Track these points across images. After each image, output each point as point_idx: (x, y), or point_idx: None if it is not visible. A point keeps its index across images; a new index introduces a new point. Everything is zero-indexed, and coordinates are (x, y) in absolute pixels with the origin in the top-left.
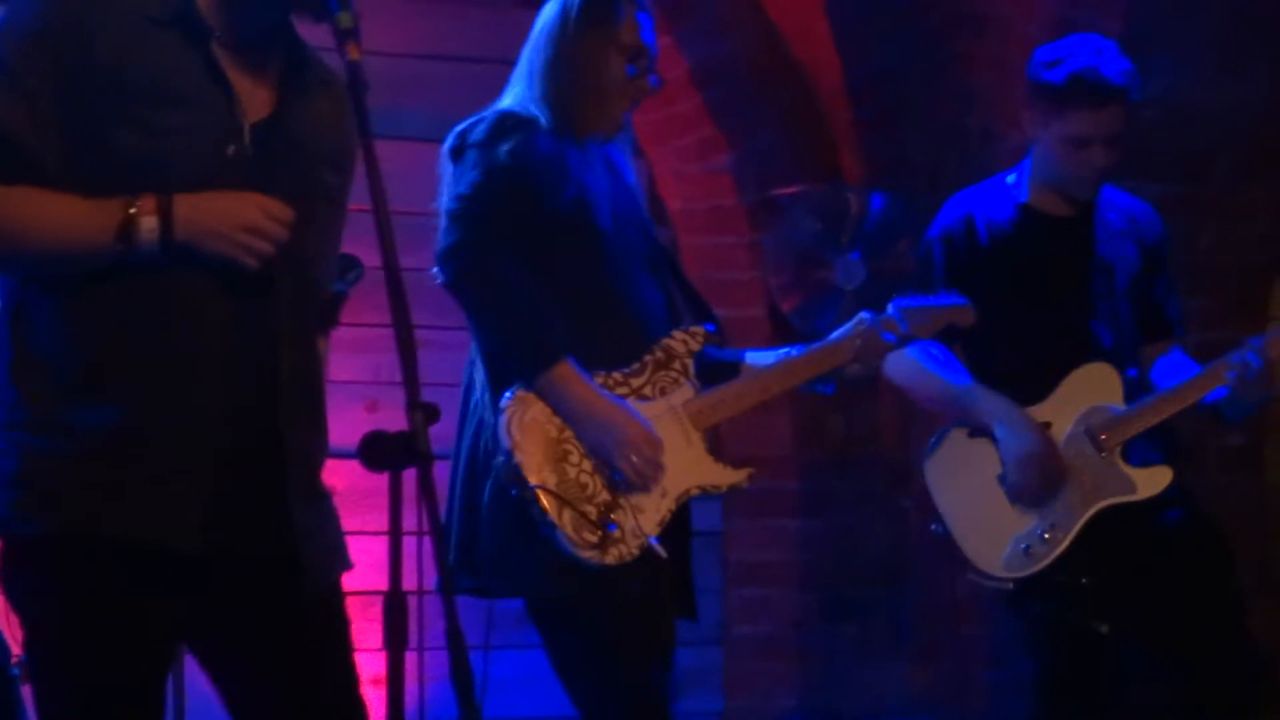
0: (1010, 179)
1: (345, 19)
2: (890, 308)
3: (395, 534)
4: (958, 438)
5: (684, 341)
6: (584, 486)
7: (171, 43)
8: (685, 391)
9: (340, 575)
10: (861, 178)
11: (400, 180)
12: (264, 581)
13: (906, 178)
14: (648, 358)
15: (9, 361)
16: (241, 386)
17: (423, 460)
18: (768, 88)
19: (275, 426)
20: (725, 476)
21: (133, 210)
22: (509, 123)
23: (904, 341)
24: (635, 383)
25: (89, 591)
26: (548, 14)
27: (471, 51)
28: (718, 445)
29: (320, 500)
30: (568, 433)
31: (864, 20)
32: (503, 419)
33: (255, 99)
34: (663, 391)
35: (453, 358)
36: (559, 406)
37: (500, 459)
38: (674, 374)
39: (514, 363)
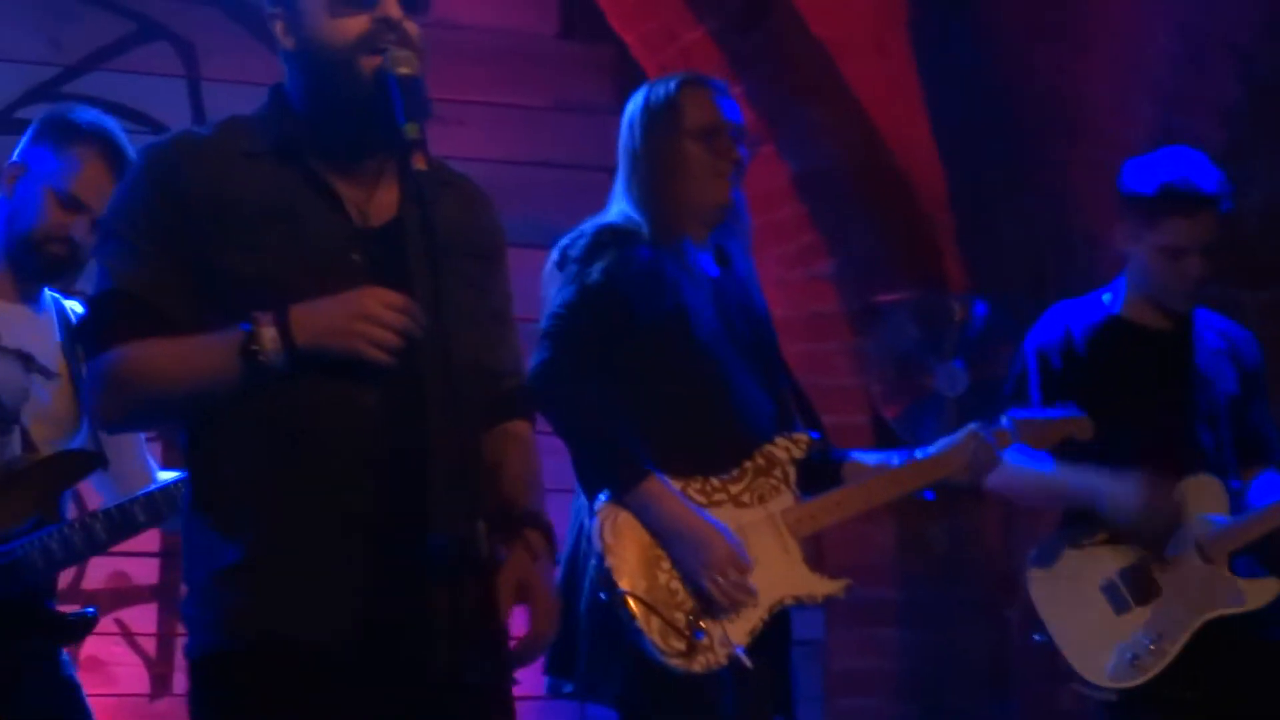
0: (1106, 296)
1: (412, 130)
2: (1004, 419)
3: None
4: (1061, 546)
5: (786, 449)
6: (674, 593)
7: (270, 168)
8: (785, 499)
9: (506, 679)
10: (964, 284)
11: None
12: (417, 680)
13: (1009, 284)
14: (748, 464)
15: (187, 503)
16: (392, 484)
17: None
18: (868, 193)
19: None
20: (821, 587)
21: (251, 328)
22: (605, 238)
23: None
24: (733, 489)
25: (267, 700)
26: (623, 121)
27: (573, 158)
28: (817, 554)
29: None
30: (661, 543)
31: (965, 126)
32: (595, 523)
33: (376, 205)
34: (762, 499)
35: (553, 463)
36: (647, 522)
37: (593, 562)
38: (774, 481)
39: (602, 479)
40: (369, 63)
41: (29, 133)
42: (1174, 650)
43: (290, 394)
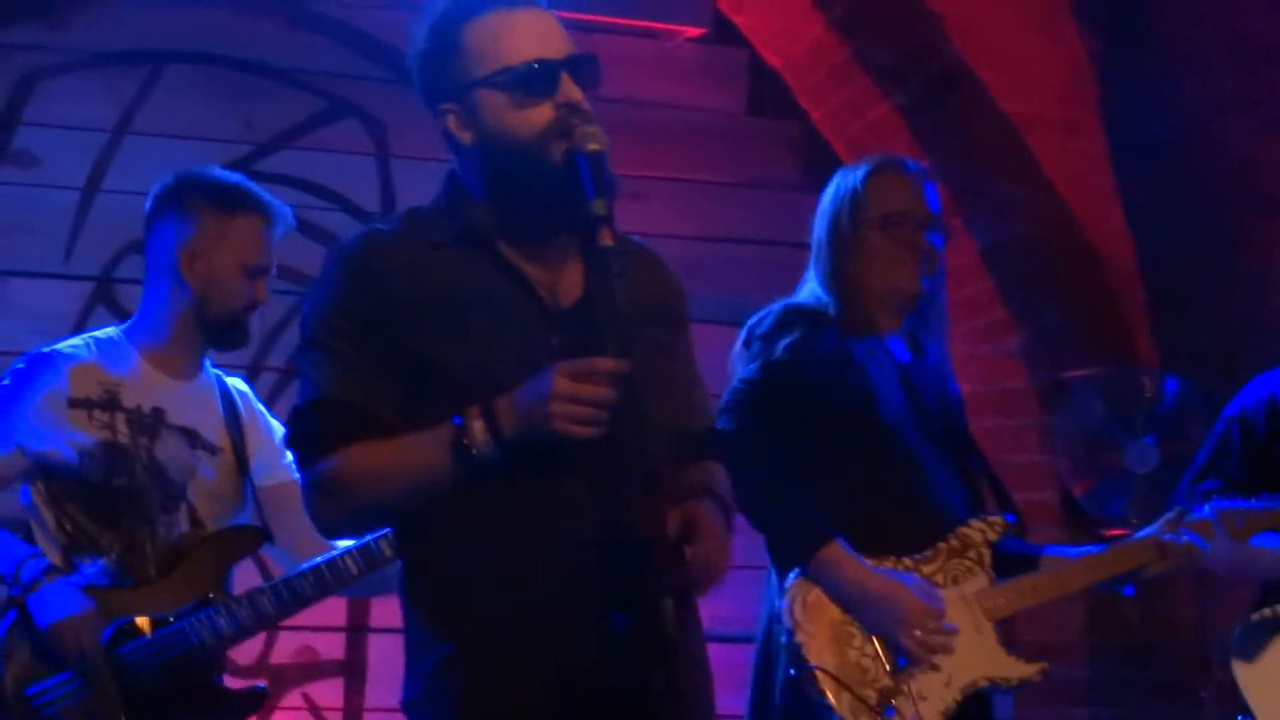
0: None
1: (599, 206)
2: (1207, 509)
3: None
4: (1267, 627)
5: (981, 530)
6: (864, 670)
7: (460, 257)
8: (979, 580)
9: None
10: (1155, 360)
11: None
12: None
13: (1200, 361)
14: (941, 545)
15: (405, 596)
16: (610, 569)
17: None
18: (1057, 269)
19: (646, 597)
20: (1016, 670)
21: (461, 420)
22: (792, 317)
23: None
24: (926, 569)
25: None
26: (821, 203)
27: (763, 235)
28: (1010, 636)
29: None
30: (850, 615)
31: (1157, 200)
32: (786, 601)
33: (563, 284)
34: (955, 580)
35: (742, 540)
36: (833, 589)
37: (783, 639)
38: (969, 563)
39: (785, 549)
40: (558, 147)
41: (178, 205)
42: None
43: (504, 492)
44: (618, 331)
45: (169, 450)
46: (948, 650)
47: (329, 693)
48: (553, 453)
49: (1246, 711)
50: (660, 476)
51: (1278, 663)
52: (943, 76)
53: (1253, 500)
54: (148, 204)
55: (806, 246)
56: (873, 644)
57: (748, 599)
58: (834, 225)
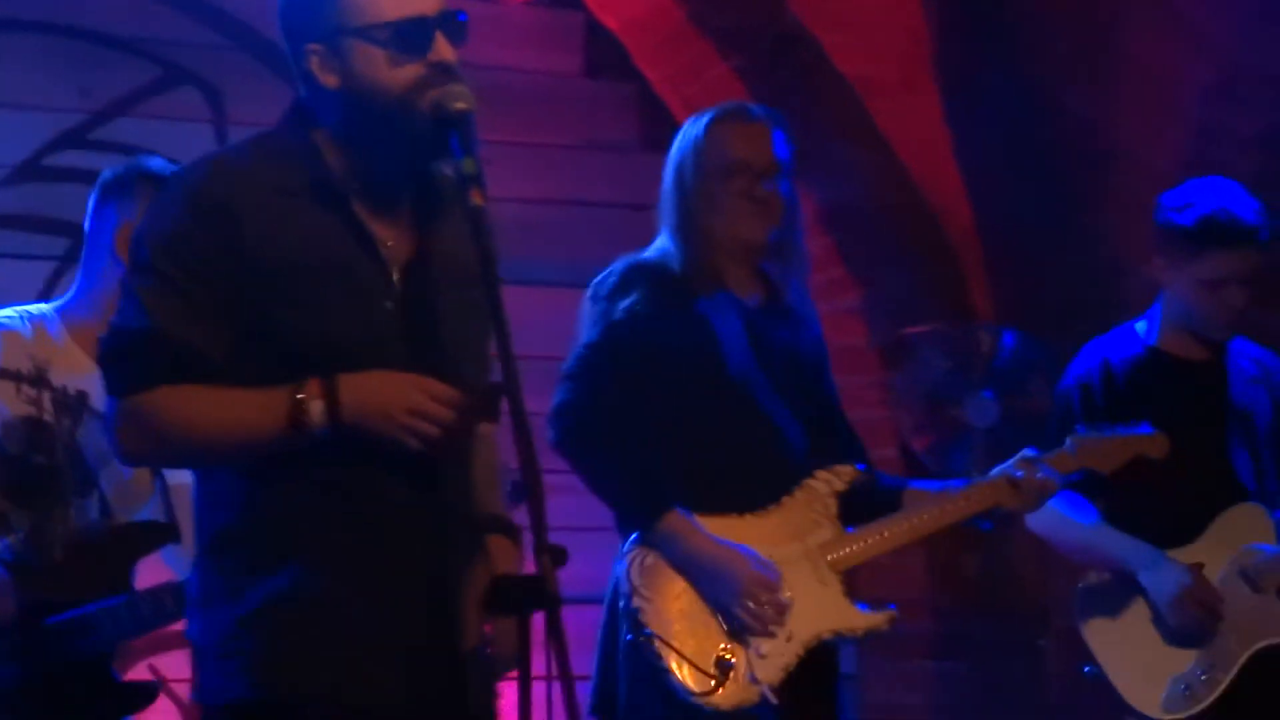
0: (1140, 326)
1: (469, 164)
2: (1067, 441)
3: (524, 679)
4: (1107, 577)
5: (828, 481)
6: (703, 632)
7: (312, 212)
8: (825, 532)
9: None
10: (993, 315)
11: (532, 326)
12: None
13: (1039, 315)
14: (785, 499)
15: (206, 540)
16: (414, 543)
17: (550, 603)
18: (895, 228)
19: (445, 574)
20: (862, 621)
21: (300, 396)
22: (633, 276)
23: (1069, 476)
24: (767, 525)
25: None
26: (666, 162)
27: (603, 196)
28: (855, 588)
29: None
30: (687, 578)
31: (993, 160)
32: (623, 564)
33: (399, 244)
34: (799, 534)
35: (581, 501)
36: (672, 558)
37: (621, 604)
38: (814, 515)
39: (625, 516)
40: (425, 104)
41: (122, 188)
42: (1226, 680)
43: (319, 454)
44: (453, 292)
45: (89, 435)
46: (779, 624)
47: (178, 665)
48: (379, 445)
49: (1090, 661)
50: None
51: (1119, 609)
52: (781, 38)
53: (1117, 427)
54: (94, 190)
55: (647, 207)
56: (709, 606)
57: (604, 560)
58: (679, 176)
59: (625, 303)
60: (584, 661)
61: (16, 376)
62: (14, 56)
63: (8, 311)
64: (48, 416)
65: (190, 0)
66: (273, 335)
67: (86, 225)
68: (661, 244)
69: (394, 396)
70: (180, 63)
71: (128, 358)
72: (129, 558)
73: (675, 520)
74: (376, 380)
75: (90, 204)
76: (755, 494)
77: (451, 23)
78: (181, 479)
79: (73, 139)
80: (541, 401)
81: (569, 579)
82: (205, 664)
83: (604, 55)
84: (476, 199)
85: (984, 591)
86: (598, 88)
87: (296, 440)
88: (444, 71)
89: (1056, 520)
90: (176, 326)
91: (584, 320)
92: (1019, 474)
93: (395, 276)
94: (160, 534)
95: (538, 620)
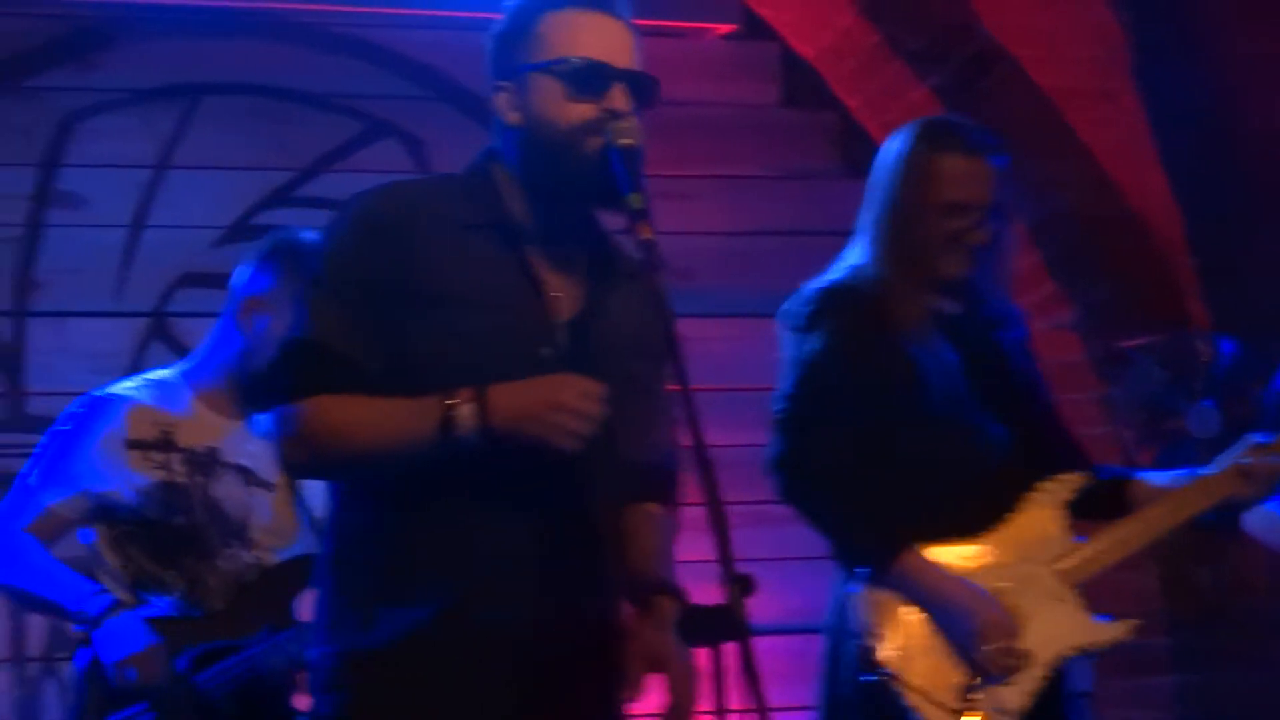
0: None
1: (636, 200)
2: None
3: (720, 710)
4: None
5: (1052, 493)
6: (940, 666)
7: (486, 247)
8: (1054, 547)
9: None
10: (1208, 324)
11: (733, 357)
12: None
13: (1255, 321)
14: (1011, 516)
15: (331, 565)
16: (552, 580)
17: (740, 633)
18: (1104, 240)
19: (579, 610)
20: (1104, 633)
21: (451, 402)
22: (826, 304)
23: None
24: (996, 547)
25: None
26: (874, 170)
27: (804, 225)
28: (1092, 601)
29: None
30: (923, 614)
31: (1199, 164)
32: (852, 603)
33: (566, 296)
34: (1029, 552)
35: (771, 533)
36: (911, 597)
37: (852, 644)
38: (1043, 530)
39: (858, 560)
40: (594, 142)
41: (260, 260)
42: None
43: (457, 481)
44: (613, 358)
45: (225, 488)
46: (1017, 669)
47: None
48: (525, 455)
49: None
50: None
51: None
52: (975, 56)
53: None
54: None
55: (849, 234)
56: (941, 641)
57: (818, 590)
58: (892, 198)
59: (821, 337)
60: (801, 693)
61: (143, 445)
62: (216, 119)
63: (131, 383)
64: (180, 478)
65: (386, 54)
66: (428, 360)
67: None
68: (855, 259)
69: (543, 394)
70: (381, 116)
71: (291, 366)
72: (288, 594)
73: (911, 560)
74: (524, 384)
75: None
76: (979, 516)
77: (638, 82)
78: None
79: (280, 197)
80: (744, 434)
81: (788, 609)
82: (325, 695)
83: (801, 84)
84: (644, 233)
85: (1218, 603)
86: (796, 117)
87: (447, 446)
88: (615, 119)
89: (1270, 520)
90: (338, 338)
91: (784, 352)
92: (1248, 460)
93: (559, 327)
94: (311, 569)
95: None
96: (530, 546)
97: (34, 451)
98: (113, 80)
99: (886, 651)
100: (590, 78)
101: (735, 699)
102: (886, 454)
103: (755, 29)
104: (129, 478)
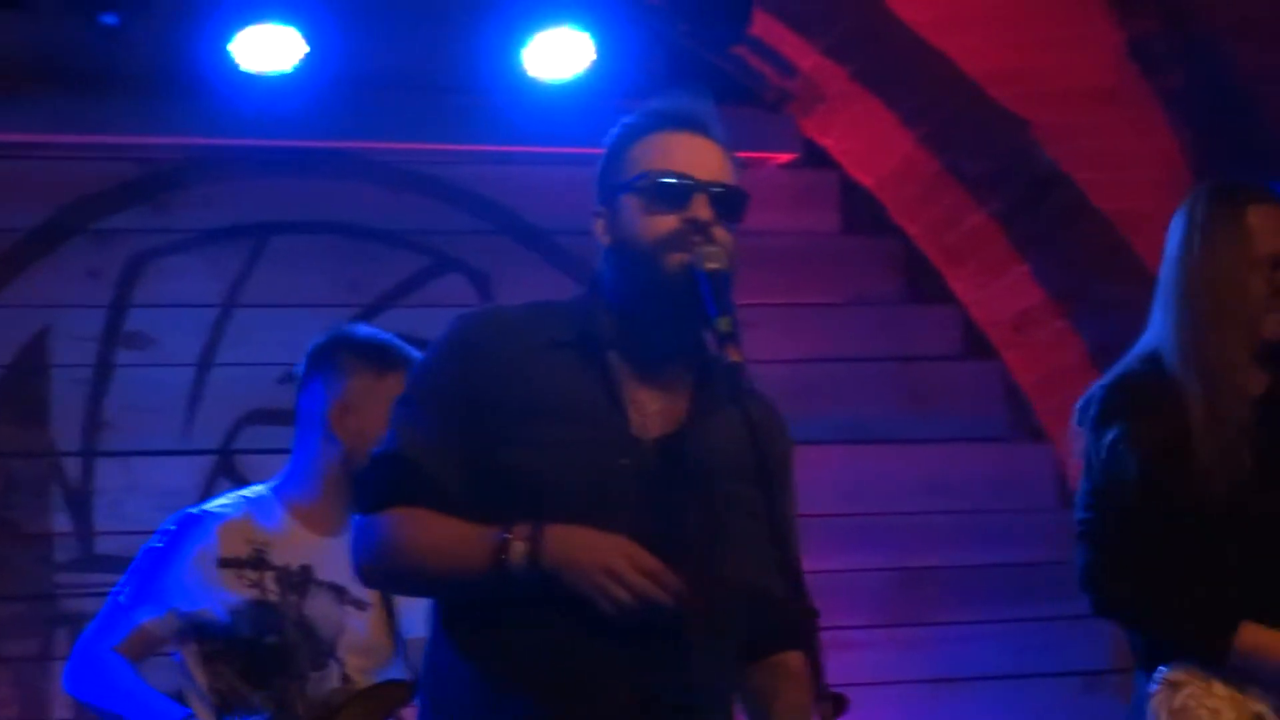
0: None
1: (724, 324)
2: None
3: None
4: None
5: None
6: None
7: (569, 361)
8: None
9: None
10: None
11: (809, 483)
12: None
13: None
14: None
15: (424, 695)
16: None
17: None
18: None
19: None
20: None
21: (507, 535)
22: (1116, 400)
23: None
24: None
25: None
26: (1173, 226)
27: (869, 351)
28: None
29: None
30: (1221, 713)
31: None
32: (1150, 705)
33: (662, 415)
34: None
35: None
36: (1260, 675)
37: None
38: None
39: (1192, 654)
40: (676, 259)
41: (326, 367)
42: None
43: (542, 629)
44: (709, 480)
45: (318, 607)
46: None
47: None
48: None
49: None
50: (721, 651)
51: None
52: (1036, 181)
53: None
54: (300, 365)
55: (914, 359)
56: None
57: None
58: (1209, 261)
59: (1111, 436)
60: None
61: (237, 563)
62: (283, 257)
63: (225, 500)
64: (273, 596)
65: (451, 189)
66: (503, 473)
67: (297, 401)
68: (1153, 338)
69: (596, 554)
70: (447, 251)
71: (376, 478)
72: (379, 717)
73: (1249, 635)
74: (584, 534)
75: (298, 381)
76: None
77: (723, 194)
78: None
79: None
80: (824, 559)
81: None
82: None
83: (861, 211)
84: (733, 356)
85: None
86: (857, 243)
87: (498, 579)
88: (697, 230)
89: None
90: (418, 452)
91: (1076, 450)
92: None
93: (644, 439)
94: (406, 691)
95: None
96: (620, 699)
97: (128, 569)
98: (181, 221)
99: None
100: (669, 189)
101: None
102: (1186, 553)
103: (814, 157)
104: (221, 596)
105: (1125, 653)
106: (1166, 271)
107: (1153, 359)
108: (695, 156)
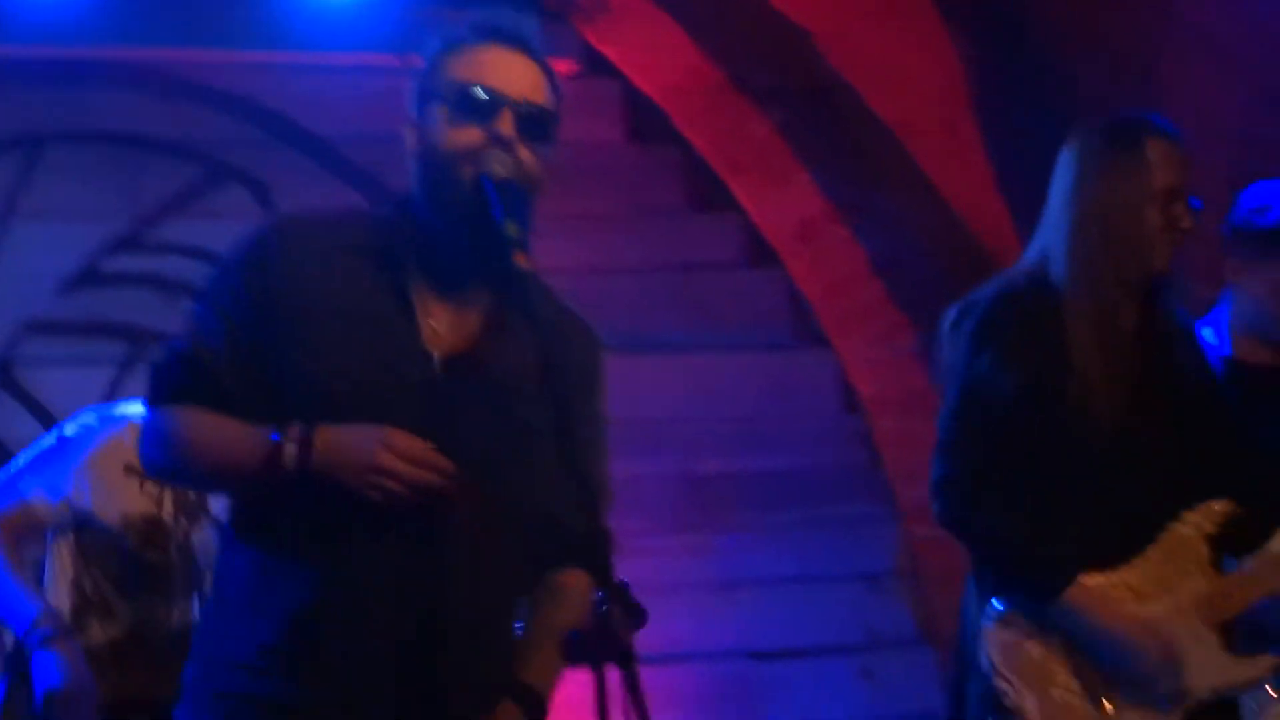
0: (1207, 332)
1: (511, 229)
2: None
3: None
4: None
5: (1196, 525)
6: (1071, 710)
7: (362, 270)
8: (1196, 582)
9: None
10: None
11: None
12: None
13: None
14: (1150, 550)
15: (212, 599)
16: (403, 629)
17: (626, 658)
18: (947, 269)
19: (436, 673)
20: (1243, 672)
21: (279, 437)
22: (999, 312)
23: None
24: (1132, 581)
25: None
26: (1065, 157)
27: (653, 261)
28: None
29: None
30: (1053, 654)
31: (1039, 195)
32: (982, 640)
33: (456, 331)
34: (1168, 588)
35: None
36: (1075, 631)
37: (982, 682)
38: (1183, 564)
39: (1022, 593)
40: (470, 170)
41: None
42: None
43: (315, 524)
44: (497, 399)
45: (203, 538)
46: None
47: None
48: (373, 517)
49: None
50: (492, 573)
51: None
52: (818, 91)
53: None
54: None
55: (697, 268)
56: (1076, 681)
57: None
58: (1103, 191)
59: (990, 348)
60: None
61: (141, 472)
62: (58, 167)
63: (139, 408)
64: (166, 516)
65: (231, 98)
66: (289, 376)
67: None
68: (1036, 261)
69: (363, 453)
70: (225, 159)
71: (163, 373)
72: None
73: (1079, 594)
74: (351, 433)
75: None
76: (1122, 547)
77: (530, 114)
78: None
79: (127, 244)
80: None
81: (668, 638)
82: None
83: (645, 121)
84: (520, 262)
85: None
86: (641, 153)
87: (270, 479)
88: (499, 145)
89: None
90: (206, 353)
91: (944, 354)
92: None
93: (434, 355)
94: None
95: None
96: (384, 597)
97: (31, 447)
98: None
99: (1014, 693)
100: (474, 101)
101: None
102: (1052, 478)
103: (597, 66)
104: (118, 501)
105: (908, 556)
106: (1059, 197)
107: (1039, 278)
108: (509, 72)
